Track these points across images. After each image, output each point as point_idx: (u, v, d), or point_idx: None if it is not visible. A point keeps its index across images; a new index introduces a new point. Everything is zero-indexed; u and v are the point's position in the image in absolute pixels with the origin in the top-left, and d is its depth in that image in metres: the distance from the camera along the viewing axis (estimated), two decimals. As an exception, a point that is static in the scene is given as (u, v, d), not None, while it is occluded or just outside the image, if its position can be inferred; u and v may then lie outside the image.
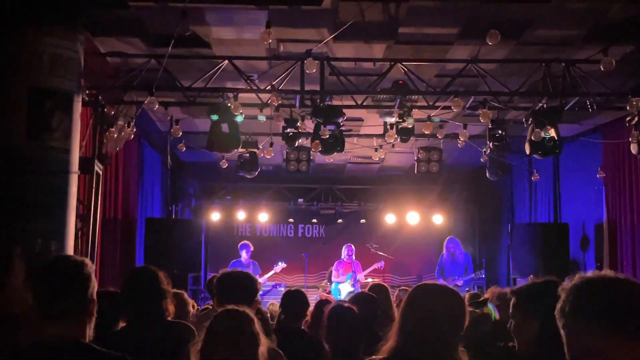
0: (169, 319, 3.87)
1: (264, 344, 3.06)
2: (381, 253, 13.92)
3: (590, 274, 2.09)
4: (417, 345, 2.78)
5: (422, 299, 2.94)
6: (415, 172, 12.00)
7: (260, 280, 11.40)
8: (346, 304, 4.43)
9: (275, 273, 13.58)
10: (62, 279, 2.68)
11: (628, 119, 9.05)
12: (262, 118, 9.32)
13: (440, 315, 2.83)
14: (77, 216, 7.58)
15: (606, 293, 1.98)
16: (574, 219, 12.20)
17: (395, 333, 2.87)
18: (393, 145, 11.24)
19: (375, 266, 13.31)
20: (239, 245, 13.15)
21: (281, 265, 13.58)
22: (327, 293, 13.27)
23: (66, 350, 2.60)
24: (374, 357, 2.89)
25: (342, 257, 13.27)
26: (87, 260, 2.79)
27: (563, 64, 8.64)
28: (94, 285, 2.75)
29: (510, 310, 3.07)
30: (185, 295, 5.39)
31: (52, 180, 6.65)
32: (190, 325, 4.06)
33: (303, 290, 5.53)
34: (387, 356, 2.83)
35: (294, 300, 5.26)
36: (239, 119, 8.81)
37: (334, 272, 13.31)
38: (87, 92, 8.31)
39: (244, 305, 3.20)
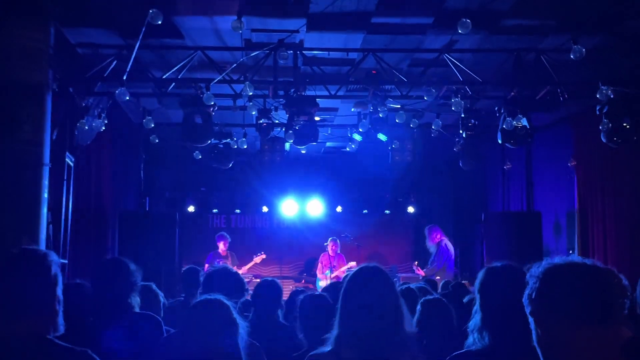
0: (137, 311, 3.82)
1: (243, 327, 3.08)
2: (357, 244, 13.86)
3: (557, 259, 2.04)
4: (357, 331, 2.80)
5: (355, 284, 2.93)
6: (390, 161, 12.01)
7: (241, 272, 11.28)
8: (317, 293, 4.45)
9: (255, 264, 13.47)
10: (23, 273, 2.56)
11: (598, 107, 9.13)
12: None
13: (373, 298, 2.83)
14: (48, 209, 7.47)
15: (573, 279, 1.95)
16: (546, 207, 12.31)
17: (337, 321, 2.88)
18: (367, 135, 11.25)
19: (349, 265, 12.94)
20: (216, 236, 13.02)
21: (260, 255, 13.45)
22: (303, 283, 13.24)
23: (27, 346, 2.49)
24: (319, 350, 2.90)
25: (328, 250, 13.08)
26: (52, 253, 2.67)
27: (534, 53, 8.69)
28: (59, 278, 2.63)
29: None
30: (154, 287, 5.34)
31: (22, 173, 6.56)
32: (158, 317, 4.03)
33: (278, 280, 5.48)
34: (332, 347, 2.84)
35: (267, 289, 5.22)
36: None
37: (319, 265, 13.17)
38: (57, 83, 8.19)
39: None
